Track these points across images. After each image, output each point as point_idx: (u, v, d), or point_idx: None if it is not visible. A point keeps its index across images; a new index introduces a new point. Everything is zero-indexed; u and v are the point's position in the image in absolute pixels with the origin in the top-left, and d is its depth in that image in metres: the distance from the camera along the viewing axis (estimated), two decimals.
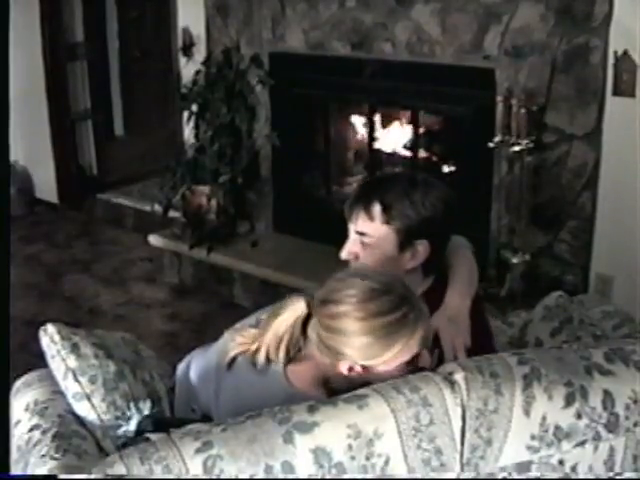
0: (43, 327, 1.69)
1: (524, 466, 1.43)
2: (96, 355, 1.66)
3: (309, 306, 1.53)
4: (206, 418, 1.63)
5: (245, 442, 1.28)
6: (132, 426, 1.55)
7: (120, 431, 1.57)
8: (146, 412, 1.57)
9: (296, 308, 1.54)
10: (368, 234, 1.72)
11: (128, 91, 5.92)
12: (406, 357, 1.47)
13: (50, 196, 5.52)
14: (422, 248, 1.73)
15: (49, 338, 1.66)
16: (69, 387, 1.62)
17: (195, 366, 1.82)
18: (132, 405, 1.59)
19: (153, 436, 1.41)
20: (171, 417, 1.73)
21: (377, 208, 1.71)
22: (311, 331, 1.52)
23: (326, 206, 3.97)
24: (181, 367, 1.88)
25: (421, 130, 3.80)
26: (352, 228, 1.76)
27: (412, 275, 1.76)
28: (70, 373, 1.62)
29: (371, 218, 1.71)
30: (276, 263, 3.87)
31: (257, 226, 4.28)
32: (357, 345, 1.45)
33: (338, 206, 1.91)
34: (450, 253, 1.83)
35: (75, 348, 1.65)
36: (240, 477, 1.27)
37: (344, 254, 1.77)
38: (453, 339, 1.66)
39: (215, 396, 1.70)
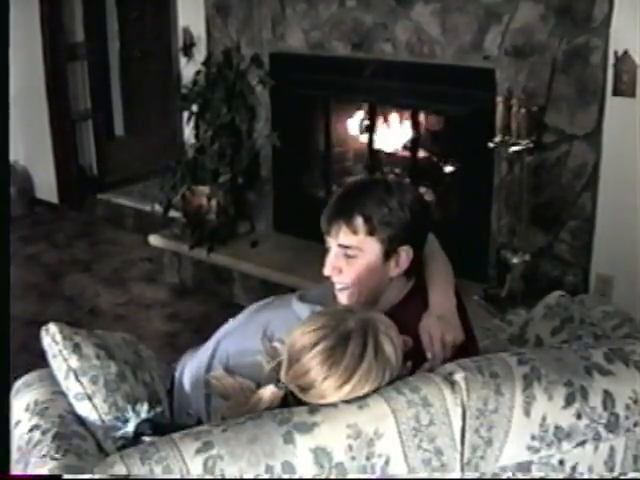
0: (45, 327, 1.68)
1: (524, 466, 1.43)
2: (97, 356, 1.65)
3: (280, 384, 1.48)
4: (201, 424, 1.63)
5: (245, 442, 1.29)
6: (130, 428, 1.55)
7: (118, 433, 1.56)
8: (143, 415, 1.56)
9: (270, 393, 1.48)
10: (352, 246, 1.70)
11: (128, 91, 5.92)
12: None
13: (50, 196, 5.52)
14: (405, 255, 1.72)
15: (51, 338, 1.65)
16: (71, 387, 1.62)
17: (187, 372, 1.83)
18: (130, 407, 1.59)
19: (151, 440, 1.41)
20: (169, 421, 1.73)
21: (359, 221, 1.68)
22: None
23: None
24: (178, 372, 1.88)
25: (421, 130, 3.80)
26: (332, 242, 1.73)
27: (396, 282, 1.75)
28: (72, 373, 1.62)
29: (354, 232, 1.69)
30: (276, 263, 3.87)
31: (257, 226, 4.28)
32: (340, 397, 1.41)
33: None
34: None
35: (77, 348, 1.64)
36: (240, 477, 1.27)
37: (327, 270, 1.73)
38: (443, 336, 1.64)
39: (206, 402, 1.70)
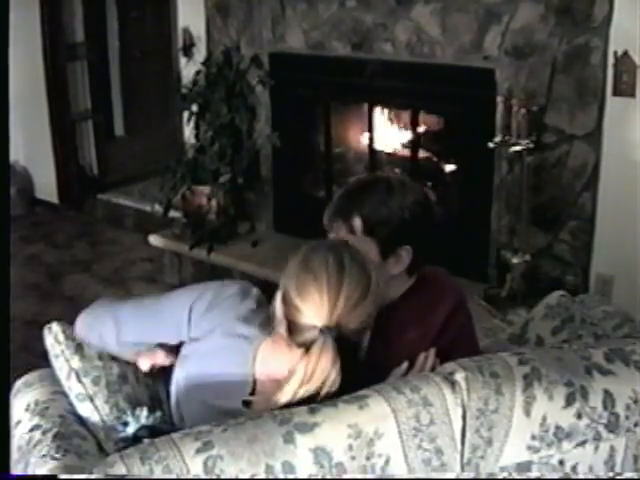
0: (48, 326, 1.68)
1: (524, 466, 1.43)
2: (100, 356, 1.65)
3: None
4: None
5: (245, 442, 1.28)
6: (130, 432, 1.55)
7: (118, 436, 1.56)
8: (143, 421, 1.55)
9: None
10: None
11: (128, 91, 5.92)
12: None
13: (50, 196, 5.51)
14: (405, 253, 1.70)
15: (53, 338, 1.65)
16: (72, 387, 1.62)
17: (181, 379, 1.81)
18: (129, 412, 1.59)
19: (151, 440, 1.41)
20: (168, 426, 1.72)
21: (357, 221, 1.68)
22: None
23: (326, 206, 3.96)
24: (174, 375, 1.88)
25: (421, 130, 3.80)
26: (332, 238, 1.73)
27: (397, 278, 1.74)
28: (74, 373, 1.62)
29: (352, 231, 1.69)
30: (276, 263, 3.86)
31: (257, 226, 4.28)
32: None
33: None
34: None
35: (79, 348, 1.64)
36: (241, 477, 1.27)
37: None
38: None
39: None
